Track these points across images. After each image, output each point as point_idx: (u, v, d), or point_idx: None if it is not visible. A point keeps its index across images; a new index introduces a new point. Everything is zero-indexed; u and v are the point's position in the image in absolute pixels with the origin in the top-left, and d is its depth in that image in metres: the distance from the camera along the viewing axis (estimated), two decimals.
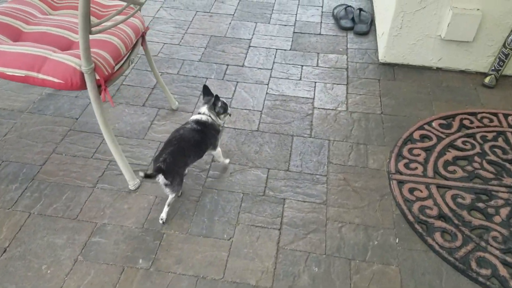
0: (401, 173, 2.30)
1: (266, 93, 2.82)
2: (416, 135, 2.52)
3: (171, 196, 1.95)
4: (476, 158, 2.38)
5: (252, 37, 3.37)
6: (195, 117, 2.04)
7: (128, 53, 2.08)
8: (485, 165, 2.34)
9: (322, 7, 3.80)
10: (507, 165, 2.33)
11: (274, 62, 3.11)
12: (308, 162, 2.35)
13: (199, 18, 3.59)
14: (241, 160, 2.34)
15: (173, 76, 2.93)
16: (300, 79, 2.95)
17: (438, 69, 3.07)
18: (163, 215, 1.98)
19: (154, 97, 2.66)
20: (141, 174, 1.77)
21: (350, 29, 3.52)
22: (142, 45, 2.22)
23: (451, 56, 2.98)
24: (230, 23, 3.54)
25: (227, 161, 2.30)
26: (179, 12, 3.65)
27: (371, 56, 3.18)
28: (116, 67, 1.94)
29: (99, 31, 1.74)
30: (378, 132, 2.55)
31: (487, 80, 2.91)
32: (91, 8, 1.65)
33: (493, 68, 2.89)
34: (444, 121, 2.62)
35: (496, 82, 2.91)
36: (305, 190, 2.19)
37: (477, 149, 2.43)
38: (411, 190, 2.20)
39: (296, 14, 3.68)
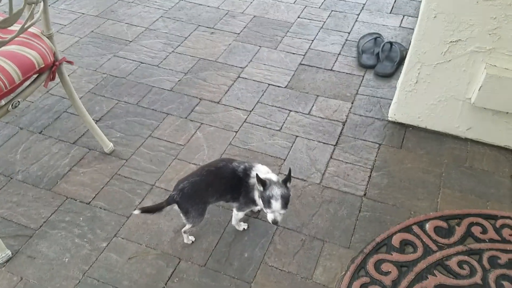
0: None
1: (229, 144, 2.27)
2: (396, 240, 1.85)
3: (187, 226, 1.74)
4: None
5: (247, 65, 2.81)
6: (256, 165, 1.68)
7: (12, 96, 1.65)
8: None
9: (349, 33, 3.13)
10: None
11: (258, 102, 2.54)
12: (236, 257, 1.79)
13: (197, 34, 3.10)
14: (151, 241, 1.84)
15: (129, 107, 2.47)
16: (280, 130, 2.36)
17: (467, 139, 2.30)
18: (186, 240, 1.81)
19: (92, 133, 2.22)
20: (136, 212, 1.67)
21: (371, 67, 2.82)
22: (46, 81, 1.77)
23: (484, 127, 2.22)
24: (230, 44, 3.01)
25: (241, 227, 1.88)
26: (178, 25, 3.18)
27: (383, 109, 2.49)
28: None
29: None
30: (347, 224, 1.91)
31: None
32: None
33: None
34: (444, 224, 1.91)
35: None
36: None
37: (477, 278, 1.72)
38: None
39: (313, 40, 3.05)
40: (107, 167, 2.12)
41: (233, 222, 1.85)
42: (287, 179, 1.60)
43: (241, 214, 1.79)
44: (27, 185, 2.04)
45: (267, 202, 1.56)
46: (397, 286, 1.70)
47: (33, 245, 1.81)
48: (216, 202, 1.79)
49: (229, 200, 1.76)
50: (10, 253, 1.75)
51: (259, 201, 1.63)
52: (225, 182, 1.70)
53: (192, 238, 1.82)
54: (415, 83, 2.20)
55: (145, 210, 1.66)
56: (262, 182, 1.56)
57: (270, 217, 1.60)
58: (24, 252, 1.78)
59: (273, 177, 1.64)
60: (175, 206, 1.67)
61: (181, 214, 1.70)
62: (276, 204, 1.55)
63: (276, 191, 1.56)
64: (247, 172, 1.68)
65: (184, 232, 1.79)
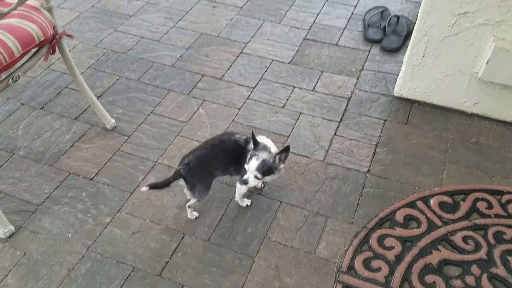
0: (355, 273, 1.66)
1: (232, 121, 2.25)
2: (399, 215, 1.84)
3: (192, 200, 1.73)
4: (474, 268, 1.67)
5: (250, 40, 2.77)
6: (259, 138, 1.67)
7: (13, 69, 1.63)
8: (484, 282, 1.62)
9: (355, 7, 3.07)
10: None
11: (261, 78, 2.50)
12: (240, 232, 1.79)
13: (199, 8, 3.05)
14: (155, 216, 1.84)
15: (130, 83, 2.45)
16: (284, 107, 2.33)
17: (473, 115, 2.27)
18: (190, 216, 1.80)
19: (94, 109, 2.20)
20: (144, 189, 1.62)
21: (378, 42, 2.77)
22: (46, 55, 1.74)
23: (491, 101, 2.18)
24: (232, 18, 2.95)
25: (244, 203, 1.87)
26: None
27: (389, 84, 2.45)
28: None
29: None
30: (350, 200, 1.90)
31: None
32: None
33: None
34: (449, 199, 1.89)
35: None
36: (214, 277, 1.64)
37: (482, 253, 1.71)
38: None
39: (318, 14, 2.99)
40: (110, 143, 2.11)
41: (237, 197, 1.84)
42: (280, 153, 1.62)
43: (244, 188, 1.78)
44: (29, 161, 2.03)
45: (249, 159, 1.60)
46: (401, 260, 1.69)
47: (36, 221, 1.81)
48: (222, 175, 1.78)
49: (233, 173, 1.76)
50: (13, 228, 1.75)
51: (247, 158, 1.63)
52: (228, 154, 1.70)
53: (195, 213, 1.82)
54: (422, 57, 2.16)
55: (153, 186, 1.65)
56: (255, 142, 1.60)
57: (246, 175, 1.62)
58: (27, 227, 1.79)
59: (272, 148, 1.66)
60: (180, 181, 1.66)
61: (187, 189, 1.70)
62: (254, 163, 1.59)
63: (262, 154, 1.59)
64: (248, 142, 1.68)
65: (189, 206, 1.78)
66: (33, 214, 1.82)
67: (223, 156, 1.70)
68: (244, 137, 1.71)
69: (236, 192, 1.82)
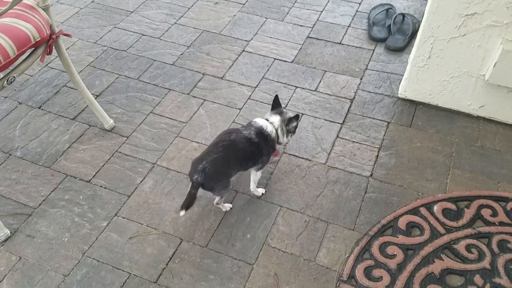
0: (356, 282, 1.63)
1: (233, 121, 2.21)
2: (402, 222, 1.80)
3: (217, 199, 1.76)
4: (477, 278, 1.63)
5: (252, 38, 2.72)
6: (260, 123, 1.73)
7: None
8: None
9: (359, 4, 3.01)
10: None
11: (263, 77, 2.46)
12: (239, 238, 1.75)
13: (201, 4, 3.00)
14: (153, 220, 1.81)
15: (129, 82, 2.41)
16: (286, 107, 2.29)
17: (479, 118, 2.22)
18: (224, 209, 1.82)
19: (92, 109, 2.17)
20: (182, 213, 1.62)
21: (382, 40, 2.72)
22: (42, 56, 1.70)
23: (497, 105, 2.14)
24: (234, 15, 2.90)
25: (259, 192, 1.88)
26: None
27: (393, 85, 2.40)
28: None
29: None
30: (352, 206, 1.86)
31: None
32: None
33: None
34: (453, 206, 1.85)
35: None
36: (211, 285, 1.61)
37: (486, 263, 1.67)
38: None
39: (321, 11, 2.94)
40: (108, 144, 2.07)
41: (252, 187, 1.86)
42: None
43: (259, 174, 1.80)
44: (26, 162, 2.00)
45: (294, 129, 1.81)
46: (403, 269, 1.66)
47: (32, 224, 1.78)
48: (238, 172, 1.77)
49: (249, 167, 1.77)
50: (8, 232, 1.72)
51: (287, 136, 1.81)
52: (243, 153, 1.69)
53: (229, 205, 1.83)
54: (427, 58, 2.11)
55: (187, 206, 1.61)
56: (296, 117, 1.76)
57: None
58: (23, 231, 1.76)
59: (277, 118, 1.79)
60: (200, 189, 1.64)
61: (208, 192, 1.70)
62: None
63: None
64: (262, 132, 1.71)
65: (217, 203, 1.78)
66: (29, 217, 1.80)
67: (237, 156, 1.69)
68: (252, 130, 1.71)
69: (252, 181, 1.84)
